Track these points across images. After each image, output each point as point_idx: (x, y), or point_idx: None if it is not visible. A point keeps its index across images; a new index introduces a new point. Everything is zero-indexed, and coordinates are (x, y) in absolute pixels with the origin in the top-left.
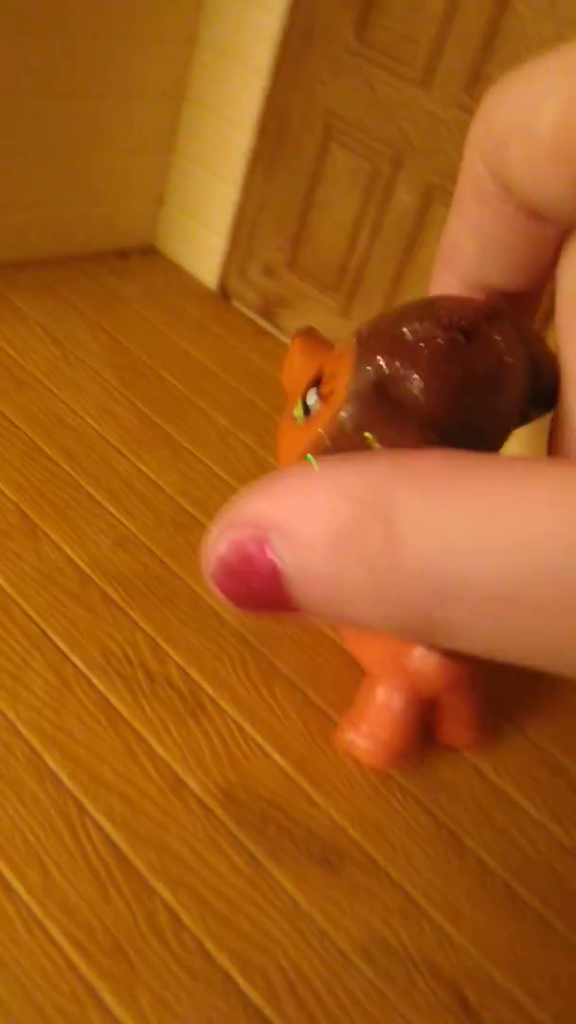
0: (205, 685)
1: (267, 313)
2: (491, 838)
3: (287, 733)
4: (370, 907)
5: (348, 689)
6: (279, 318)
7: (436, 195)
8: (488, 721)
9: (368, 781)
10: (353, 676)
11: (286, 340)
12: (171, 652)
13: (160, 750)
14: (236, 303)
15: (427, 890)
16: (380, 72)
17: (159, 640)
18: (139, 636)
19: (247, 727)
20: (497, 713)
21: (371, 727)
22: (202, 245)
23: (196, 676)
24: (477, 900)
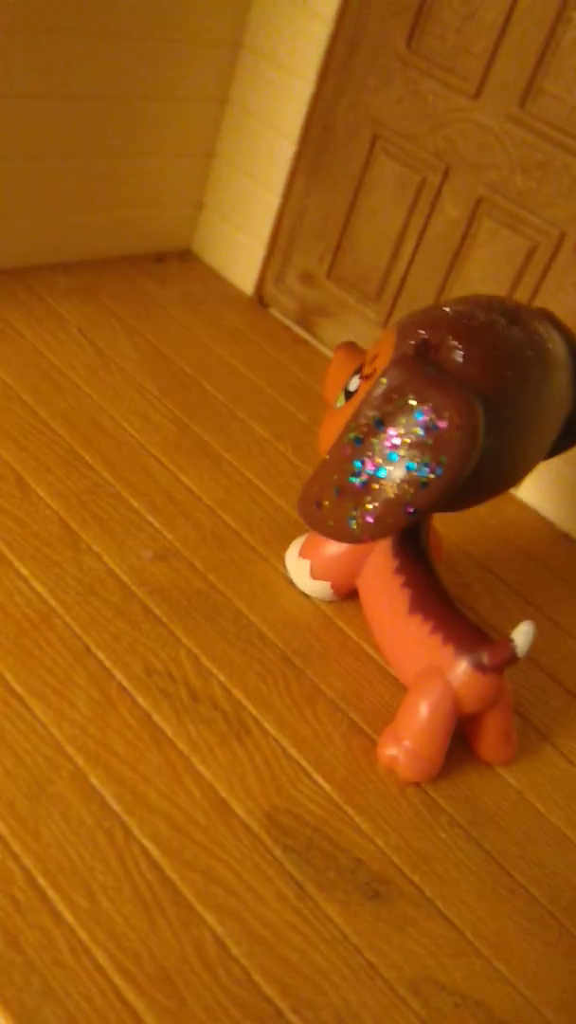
0: (249, 705)
1: (305, 322)
2: (538, 870)
3: (331, 756)
4: (419, 941)
5: (391, 710)
6: (317, 327)
7: (483, 208)
8: (529, 746)
9: (413, 808)
10: (396, 696)
11: (324, 350)
12: (214, 670)
13: (205, 772)
14: (273, 310)
15: (476, 925)
16: (430, 82)
17: (202, 657)
18: (182, 653)
19: (291, 750)
20: (539, 737)
21: (412, 741)
22: (240, 251)
23: (239, 695)
24: (527, 936)
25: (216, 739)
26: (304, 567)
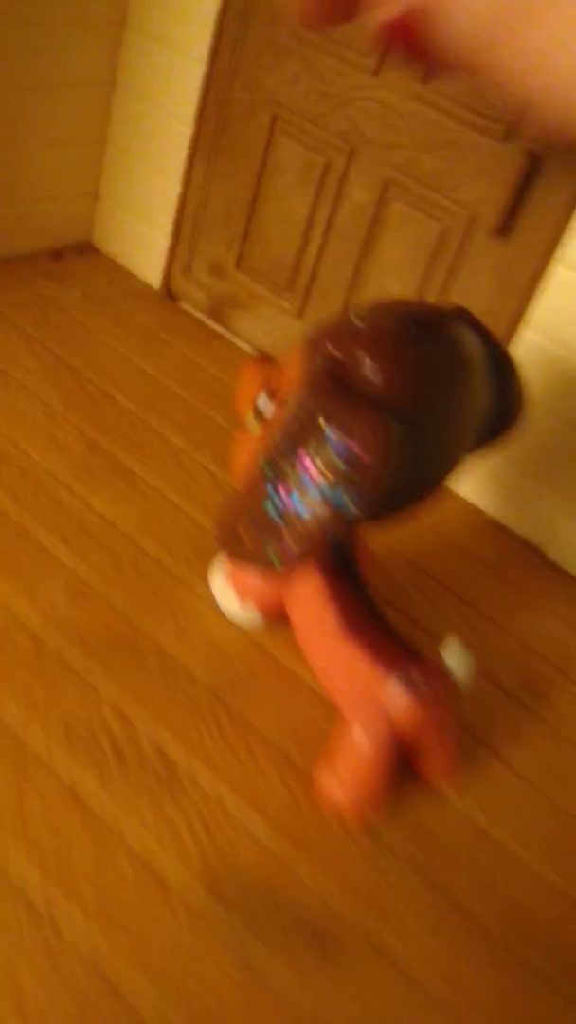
0: (179, 755)
1: (217, 314)
2: (488, 894)
3: (269, 799)
4: (369, 986)
5: (328, 739)
6: (231, 320)
7: (392, 191)
8: (472, 756)
9: (357, 845)
10: (333, 723)
11: (240, 344)
12: (140, 721)
13: (135, 842)
14: (183, 304)
15: (426, 959)
16: (327, 58)
17: (126, 708)
18: (104, 706)
19: (227, 799)
20: (482, 749)
21: (350, 770)
22: (143, 242)
23: (169, 746)
24: (479, 966)
25: (146, 800)
26: (230, 592)
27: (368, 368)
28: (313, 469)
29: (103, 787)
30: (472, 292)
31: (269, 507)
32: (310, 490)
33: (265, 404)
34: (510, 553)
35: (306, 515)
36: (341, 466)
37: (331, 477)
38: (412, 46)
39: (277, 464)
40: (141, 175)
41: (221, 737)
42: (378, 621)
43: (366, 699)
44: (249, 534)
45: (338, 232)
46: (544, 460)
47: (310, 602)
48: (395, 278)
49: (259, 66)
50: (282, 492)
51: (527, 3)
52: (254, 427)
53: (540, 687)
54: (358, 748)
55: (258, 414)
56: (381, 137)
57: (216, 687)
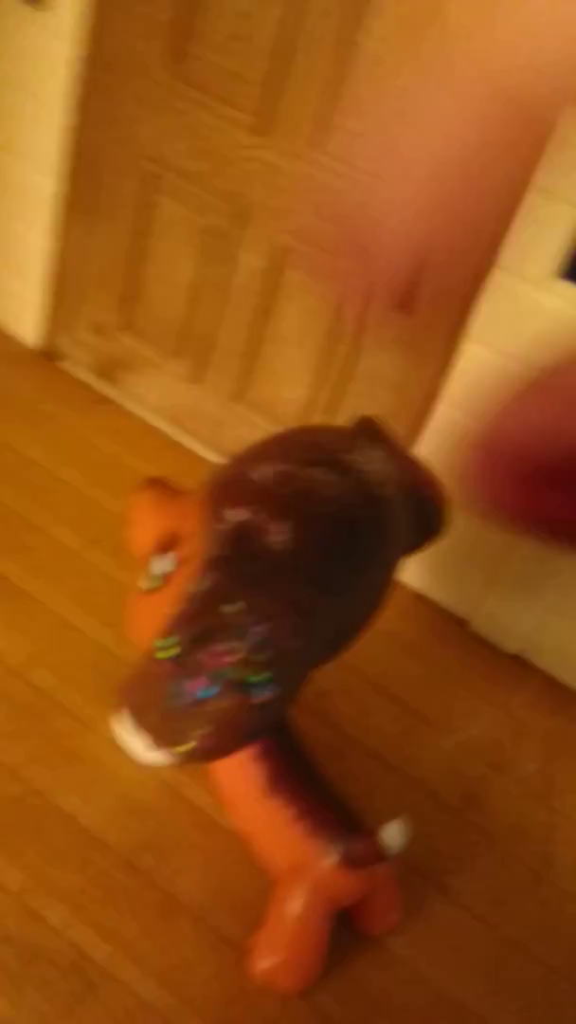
0: (93, 946)
1: (106, 375)
2: None
3: (198, 986)
4: None
5: (259, 903)
6: (122, 382)
7: (288, 259)
8: (412, 891)
9: (296, 1019)
10: (262, 883)
11: (134, 408)
12: (45, 909)
13: None
14: (65, 365)
15: None
16: (204, 114)
17: (28, 896)
18: (3, 896)
19: (149, 993)
20: (427, 885)
21: (287, 950)
22: (15, 299)
23: (80, 936)
24: None
25: (57, 1010)
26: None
27: (278, 534)
28: (226, 660)
29: (7, 999)
30: (379, 364)
31: (179, 702)
32: (223, 682)
33: (162, 565)
34: (434, 628)
35: (223, 710)
36: (259, 655)
37: (245, 667)
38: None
39: (186, 655)
40: (8, 229)
41: (140, 916)
42: (310, 777)
43: (299, 869)
44: (160, 722)
45: (232, 298)
46: (469, 536)
47: (233, 758)
48: (295, 347)
49: (133, 118)
50: (193, 686)
51: None
52: (150, 584)
53: (479, 796)
54: (294, 928)
55: (156, 573)
56: (272, 200)
57: (130, 854)
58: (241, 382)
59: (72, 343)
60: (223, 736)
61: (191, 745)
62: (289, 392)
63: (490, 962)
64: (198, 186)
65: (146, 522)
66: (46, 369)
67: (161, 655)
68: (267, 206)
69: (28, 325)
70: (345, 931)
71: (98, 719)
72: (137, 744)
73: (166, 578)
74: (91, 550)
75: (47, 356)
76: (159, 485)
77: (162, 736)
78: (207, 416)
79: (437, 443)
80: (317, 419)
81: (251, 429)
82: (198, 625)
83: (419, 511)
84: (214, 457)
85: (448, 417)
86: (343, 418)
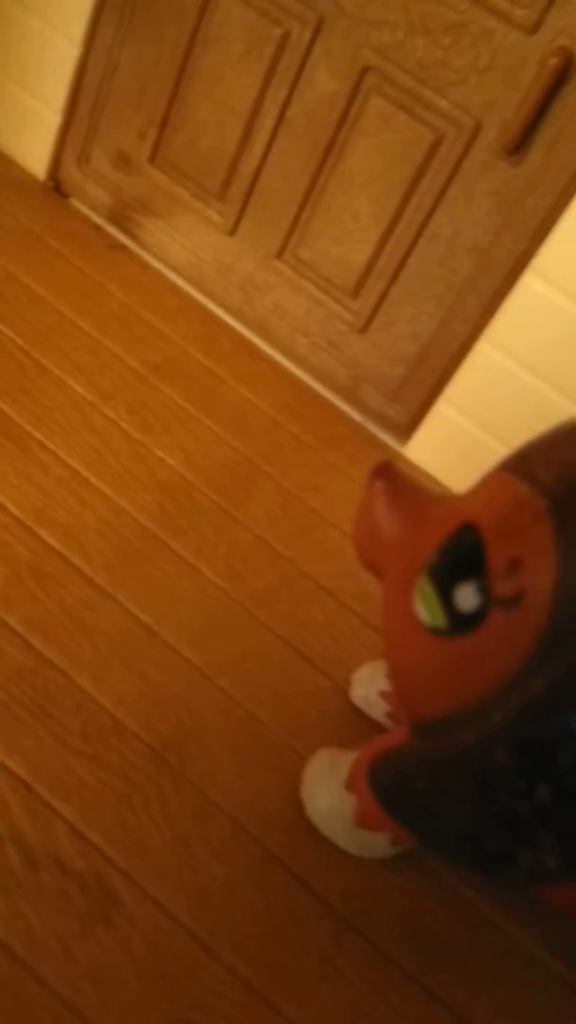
0: (112, 853)
1: (121, 219)
2: None
3: (241, 912)
4: None
5: (300, 820)
6: (139, 228)
7: (370, 81)
8: None
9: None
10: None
11: (153, 262)
12: (54, 801)
13: (62, 987)
14: (77, 203)
15: None
16: None
17: (35, 785)
18: (2, 782)
19: (183, 916)
20: None
21: None
22: (29, 119)
23: (97, 838)
24: None
25: (72, 929)
26: (347, 806)
27: None
28: None
29: (7, 909)
30: (466, 223)
31: (522, 805)
32: None
33: (475, 602)
34: None
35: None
36: None
37: None
38: None
39: (532, 745)
40: (32, 32)
41: (166, 823)
42: None
43: None
44: (459, 814)
45: (293, 129)
46: None
47: None
48: (365, 197)
49: None
50: (543, 791)
51: None
52: (441, 623)
53: None
54: None
55: (457, 616)
56: (362, 8)
57: (154, 744)
58: (289, 235)
59: (87, 177)
60: None
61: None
62: (346, 250)
63: None
64: None
65: (385, 521)
66: (54, 205)
67: (495, 748)
68: (353, 14)
69: (39, 151)
70: None
71: (117, 590)
72: (339, 814)
73: (478, 620)
74: (104, 405)
75: (57, 190)
76: (394, 475)
77: (464, 837)
78: (240, 276)
79: (521, 317)
80: (373, 284)
81: (290, 294)
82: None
83: None
84: (242, 328)
85: (538, 291)
86: (403, 286)
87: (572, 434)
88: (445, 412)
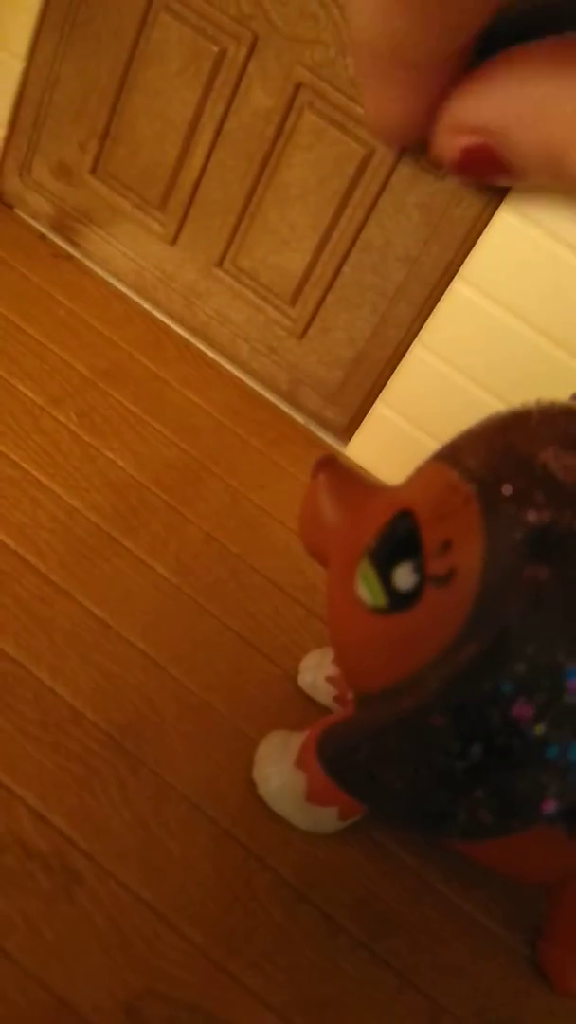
0: (74, 834)
1: (64, 228)
2: None
3: (196, 887)
4: None
5: (255, 803)
6: (82, 237)
7: (303, 97)
8: None
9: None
10: (251, 781)
11: (97, 270)
12: (18, 788)
13: (29, 963)
14: (20, 213)
15: None
16: None
17: None
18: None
19: (144, 891)
20: None
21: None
22: None
23: (59, 821)
24: None
25: (37, 907)
26: (297, 783)
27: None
28: (532, 715)
29: None
30: (396, 233)
31: (457, 764)
32: (536, 749)
33: (411, 582)
34: None
35: (516, 784)
36: None
37: (561, 730)
38: (486, 169)
39: (475, 709)
40: None
41: (126, 805)
42: None
43: None
44: (405, 782)
45: (231, 142)
46: None
47: None
48: (300, 208)
49: None
50: (475, 750)
51: None
52: (380, 602)
53: None
54: None
55: (394, 594)
56: (294, 27)
57: (112, 732)
58: (229, 245)
59: (28, 188)
60: (517, 812)
61: (467, 814)
62: (283, 259)
63: None
64: (209, 3)
65: (328, 511)
66: (1, 215)
67: (432, 701)
68: (285, 32)
69: None
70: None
71: (73, 588)
72: (289, 790)
73: (415, 598)
74: (55, 408)
75: (2, 201)
76: (337, 468)
77: (413, 794)
78: (182, 284)
79: (451, 321)
80: (310, 292)
81: (231, 301)
82: (505, 674)
83: None
84: (186, 334)
85: (466, 297)
86: (338, 293)
87: (496, 425)
88: (383, 413)
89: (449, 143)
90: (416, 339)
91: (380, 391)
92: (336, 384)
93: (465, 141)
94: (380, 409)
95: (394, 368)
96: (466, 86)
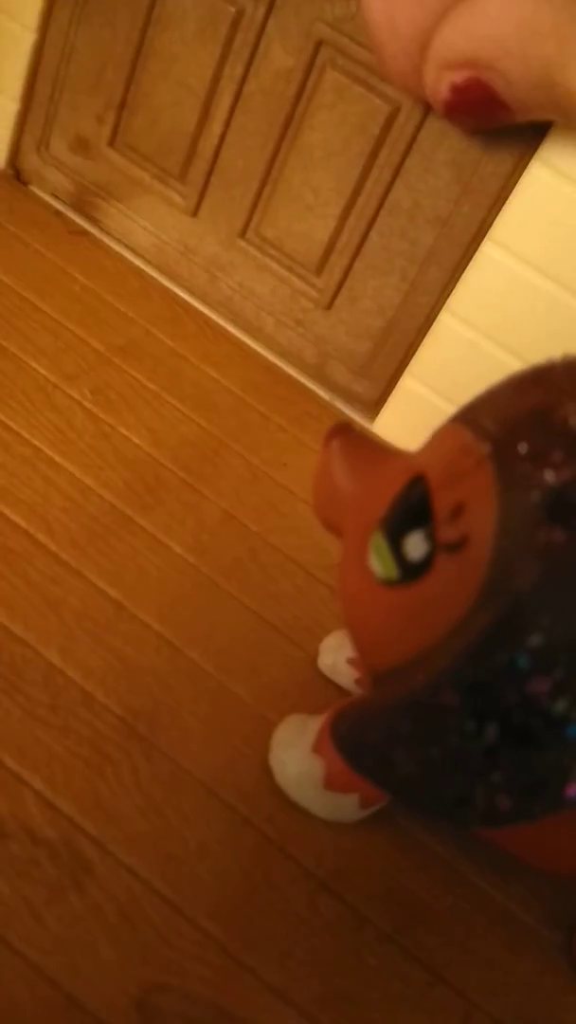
0: (83, 822)
1: (83, 205)
2: None
3: (212, 877)
4: None
5: (272, 788)
6: (101, 213)
7: (324, 55)
8: None
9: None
10: (267, 766)
11: (114, 246)
12: (24, 773)
13: (35, 955)
14: (37, 190)
15: None
16: None
17: (3, 756)
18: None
19: (156, 881)
20: None
21: None
22: None
23: (67, 807)
24: None
25: (43, 896)
26: (315, 769)
27: None
28: (548, 691)
29: None
30: (425, 194)
31: (471, 745)
32: (556, 727)
33: (422, 551)
34: None
35: (541, 765)
36: None
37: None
38: (480, 106)
39: (488, 683)
40: None
41: (139, 791)
42: None
43: None
44: (419, 767)
45: (250, 106)
46: None
47: None
48: (324, 171)
49: None
50: (490, 731)
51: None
52: (391, 574)
53: None
54: None
55: (405, 565)
56: None
57: (125, 715)
58: (251, 214)
59: (46, 164)
60: (537, 799)
61: (483, 803)
62: (308, 226)
63: None
64: None
65: (341, 480)
66: (14, 192)
67: (443, 675)
68: None
69: (0, 141)
70: None
71: (84, 567)
72: (307, 777)
73: (426, 568)
74: (68, 386)
75: (17, 177)
76: (351, 434)
77: (420, 781)
78: (204, 257)
79: (481, 286)
80: (336, 260)
81: (255, 273)
82: (518, 648)
83: None
84: (207, 309)
85: (495, 259)
86: (366, 260)
87: (515, 383)
88: (410, 386)
89: (439, 82)
90: (445, 306)
91: (408, 363)
92: (365, 356)
93: (455, 77)
94: (407, 382)
95: (423, 338)
96: (450, 21)
